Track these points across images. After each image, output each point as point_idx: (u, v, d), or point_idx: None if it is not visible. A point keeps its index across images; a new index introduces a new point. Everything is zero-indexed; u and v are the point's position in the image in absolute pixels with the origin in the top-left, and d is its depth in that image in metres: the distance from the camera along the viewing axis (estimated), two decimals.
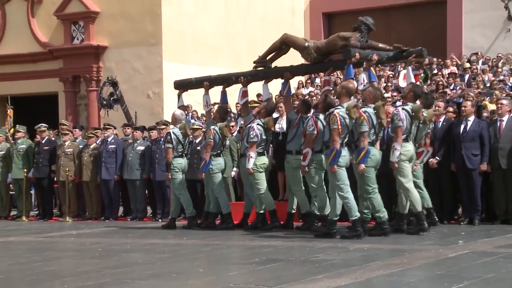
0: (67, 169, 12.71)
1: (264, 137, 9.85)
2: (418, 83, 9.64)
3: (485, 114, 11.48)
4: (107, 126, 12.98)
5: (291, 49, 10.22)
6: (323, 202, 9.17)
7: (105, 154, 12.51)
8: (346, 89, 8.96)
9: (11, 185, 13.76)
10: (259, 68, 10.42)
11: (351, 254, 7.36)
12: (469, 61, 18.25)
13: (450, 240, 8.30)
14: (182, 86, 11.35)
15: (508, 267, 6.27)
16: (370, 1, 21.08)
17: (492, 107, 12.15)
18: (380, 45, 9.87)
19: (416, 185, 9.23)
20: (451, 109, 10.88)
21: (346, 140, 8.71)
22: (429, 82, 16.93)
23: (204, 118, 12.84)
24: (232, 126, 11.78)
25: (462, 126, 10.21)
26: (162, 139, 11.58)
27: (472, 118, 10.23)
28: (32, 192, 14.25)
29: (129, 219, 12.47)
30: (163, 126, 11.98)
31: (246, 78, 10.37)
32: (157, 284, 6.02)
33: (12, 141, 13.84)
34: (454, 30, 20.17)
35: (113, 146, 12.61)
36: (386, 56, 9.85)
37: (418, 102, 9.06)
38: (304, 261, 7.05)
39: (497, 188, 10.14)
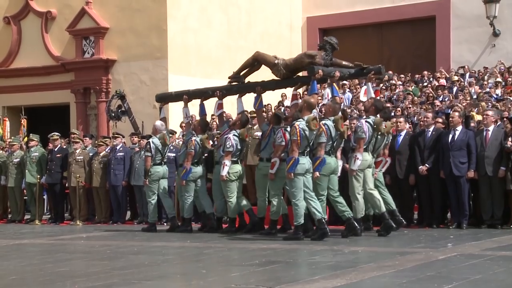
0: (78, 175, 12.70)
1: (239, 147, 10.07)
2: (378, 97, 10.02)
3: (472, 124, 11.48)
4: (116, 135, 12.98)
5: (263, 65, 10.46)
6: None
7: (113, 161, 12.49)
8: (308, 103, 9.19)
9: (25, 191, 13.75)
10: (233, 83, 10.68)
11: (346, 256, 7.34)
12: (457, 74, 18.27)
13: (439, 243, 8.28)
14: (163, 99, 11.67)
15: (494, 269, 6.25)
16: (363, 18, 21.12)
17: (478, 117, 12.16)
18: (344, 62, 10.13)
19: (379, 190, 9.49)
20: (440, 119, 10.89)
21: (307, 150, 8.89)
22: (419, 94, 16.97)
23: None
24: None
25: (450, 136, 10.21)
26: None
27: (460, 128, 10.24)
28: (45, 197, 14.25)
29: (135, 223, 12.45)
30: (170, 135, 11.96)
31: (221, 92, 10.62)
32: (163, 285, 6.00)
33: (26, 149, 13.84)
34: (442, 45, 20.20)
35: (121, 153, 12.60)
36: (348, 73, 10.09)
37: (378, 115, 9.36)
38: (302, 263, 7.04)
39: (483, 194, 10.13)
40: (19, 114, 17.48)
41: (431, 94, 16.13)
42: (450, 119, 10.52)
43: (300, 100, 10.13)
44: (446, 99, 15.50)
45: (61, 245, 9.39)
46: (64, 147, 13.73)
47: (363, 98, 10.04)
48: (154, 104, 17.86)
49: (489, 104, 13.99)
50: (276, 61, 10.15)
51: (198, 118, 11.62)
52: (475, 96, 15.48)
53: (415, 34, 20.86)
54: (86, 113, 19.17)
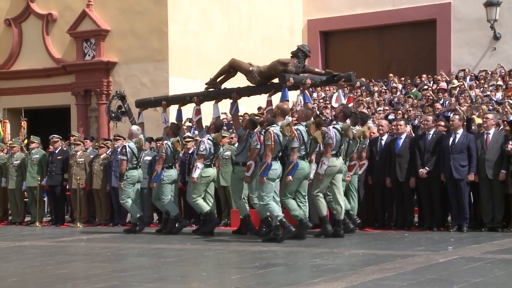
0: (79, 177, 12.70)
1: (212, 151, 10.28)
2: (351, 104, 10.47)
3: (473, 127, 11.48)
4: (117, 137, 12.99)
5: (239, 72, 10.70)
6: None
7: (114, 164, 12.48)
8: (281, 109, 9.40)
9: (25, 193, 13.75)
10: (210, 89, 10.94)
11: (347, 259, 7.34)
12: (457, 77, 18.27)
13: (440, 246, 8.28)
14: (143, 104, 11.96)
15: (494, 272, 6.25)
16: (364, 21, 21.13)
17: (479, 121, 12.16)
18: (316, 69, 10.46)
19: (348, 193, 9.93)
20: (442, 123, 10.91)
21: (279, 155, 9.12)
22: (420, 97, 16.98)
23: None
24: (231, 138, 11.93)
25: (451, 139, 10.22)
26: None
27: (460, 131, 10.24)
28: (45, 199, 14.24)
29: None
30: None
31: (198, 98, 10.88)
32: (163, 287, 5.99)
33: (27, 151, 13.84)
34: (443, 48, 20.20)
35: None
36: (319, 80, 10.41)
37: (348, 121, 9.61)
38: (302, 265, 7.03)
39: (484, 197, 10.13)
40: (20, 116, 17.48)
41: (431, 97, 16.12)
42: (451, 122, 10.53)
43: (270, 106, 10.36)
44: (447, 102, 15.49)
45: (62, 247, 9.39)
46: (65, 149, 13.74)
47: (334, 104, 10.36)
48: (155, 108, 17.92)
49: (490, 107, 14.00)
50: (251, 68, 10.45)
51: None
52: (475, 100, 15.48)
53: (416, 37, 20.88)
54: (86, 115, 19.17)
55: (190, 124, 15.34)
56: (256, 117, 10.55)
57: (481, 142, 10.14)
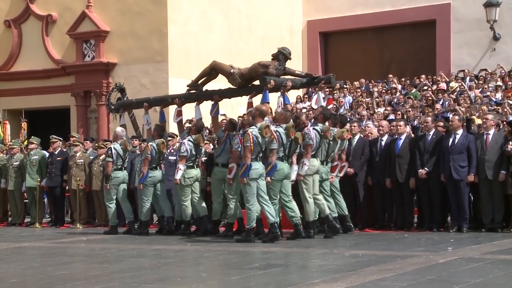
0: (78, 178, 12.69)
1: (194, 152, 10.31)
2: (331, 105, 10.64)
3: (473, 128, 11.48)
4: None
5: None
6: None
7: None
8: (260, 111, 9.45)
9: (25, 194, 13.75)
10: (192, 91, 11.02)
11: (346, 260, 7.34)
12: (456, 78, 18.27)
13: (440, 247, 8.28)
14: (124, 106, 12.09)
15: (494, 273, 6.25)
16: (364, 22, 21.13)
17: (479, 121, 12.16)
18: (297, 71, 10.49)
19: (334, 195, 9.97)
20: (441, 123, 10.91)
21: (260, 155, 9.19)
22: (420, 97, 16.99)
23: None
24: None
25: (451, 139, 10.22)
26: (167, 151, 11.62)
27: (460, 131, 10.24)
28: (45, 200, 14.22)
29: (136, 226, 12.41)
30: (170, 138, 12.00)
31: (180, 100, 10.97)
32: None
33: (26, 152, 13.84)
34: (443, 49, 20.21)
35: None
36: (300, 82, 10.46)
37: (327, 123, 9.73)
38: (302, 266, 7.03)
39: (484, 198, 10.13)
40: (19, 117, 17.49)
41: (430, 98, 16.13)
42: (450, 122, 10.54)
43: (251, 108, 10.39)
44: (446, 103, 15.50)
45: (61, 248, 9.38)
46: (65, 150, 13.73)
47: (314, 106, 10.46)
48: (154, 108, 17.91)
49: (490, 107, 14.00)
50: (232, 71, 10.49)
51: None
52: (474, 100, 15.49)
53: (416, 38, 20.88)
54: (86, 116, 19.18)
55: (190, 125, 15.35)
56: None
57: (481, 143, 10.14)
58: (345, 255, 7.69)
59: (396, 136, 10.78)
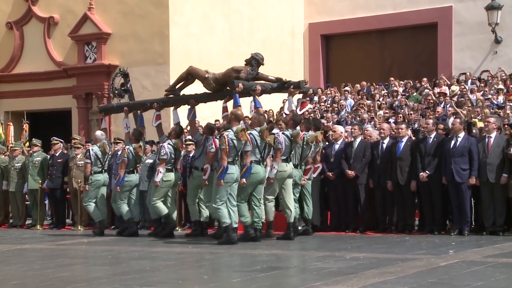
0: (79, 180, 12.69)
1: (173, 156, 10.56)
2: (305, 109, 10.99)
3: (474, 131, 11.48)
4: (117, 141, 12.98)
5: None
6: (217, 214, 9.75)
7: (115, 167, 12.45)
8: (235, 115, 9.68)
9: (26, 196, 13.75)
10: (169, 96, 11.28)
11: (348, 262, 7.33)
12: (458, 81, 18.27)
13: (441, 250, 8.27)
14: (106, 110, 12.65)
15: (496, 276, 6.24)
16: (365, 24, 21.13)
17: (481, 124, 12.15)
18: (269, 77, 10.65)
19: (304, 198, 10.24)
20: (441, 126, 10.91)
21: (236, 159, 9.38)
22: (422, 100, 16.98)
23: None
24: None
25: (452, 142, 10.21)
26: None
27: (462, 134, 10.24)
28: (46, 202, 14.24)
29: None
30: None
31: (158, 104, 11.22)
32: None
33: (28, 154, 13.85)
34: (444, 52, 20.20)
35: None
36: (270, 86, 10.67)
37: (298, 128, 9.99)
38: (303, 269, 7.03)
39: (485, 201, 10.12)
40: (21, 119, 17.50)
41: (431, 101, 16.12)
42: (451, 125, 10.55)
43: (226, 112, 10.62)
44: (448, 106, 15.49)
45: (62, 250, 9.39)
46: (65, 152, 13.74)
47: (286, 111, 10.69)
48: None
49: (492, 109, 13.99)
50: (206, 75, 10.71)
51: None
52: (475, 103, 15.48)
53: (417, 41, 20.88)
54: (87, 118, 19.19)
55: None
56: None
57: (483, 146, 10.14)
58: (346, 257, 7.69)
59: (398, 139, 10.78)
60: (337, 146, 11.18)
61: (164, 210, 10.60)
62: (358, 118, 15.27)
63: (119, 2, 18.72)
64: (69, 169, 12.99)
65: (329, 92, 19.52)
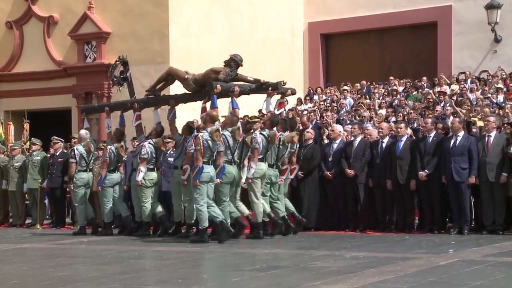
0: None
1: (154, 155, 10.75)
2: (282, 109, 11.17)
3: (474, 130, 11.47)
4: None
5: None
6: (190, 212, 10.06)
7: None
8: (210, 116, 9.80)
9: (26, 195, 13.74)
10: (150, 96, 11.44)
11: (347, 261, 7.33)
12: (457, 80, 18.26)
13: (441, 249, 8.27)
14: (87, 110, 12.80)
15: (495, 275, 6.24)
16: (365, 23, 21.12)
17: (480, 123, 12.15)
18: (248, 78, 10.83)
19: (280, 198, 10.34)
20: (441, 125, 10.91)
21: (212, 159, 9.51)
22: (421, 97, 16.97)
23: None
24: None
25: (452, 141, 10.22)
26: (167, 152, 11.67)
27: (461, 133, 10.24)
28: (46, 201, 14.24)
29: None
30: (169, 140, 12.06)
31: (139, 104, 11.37)
32: None
33: (28, 153, 13.84)
34: (444, 51, 20.18)
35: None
36: (248, 88, 10.84)
37: (275, 128, 10.11)
38: (303, 268, 7.02)
39: (485, 200, 10.12)
40: (22, 118, 17.50)
41: (431, 100, 16.11)
42: (451, 125, 10.54)
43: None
44: (448, 105, 15.48)
45: (62, 250, 9.38)
46: (66, 151, 13.72)
47: (264, 111, 10.85)
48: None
49: (491, 108, 13.98)
50: (186, 76, 10.83)
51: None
52: (475, 103, 15.47)
53: (417, 40, 20.86)
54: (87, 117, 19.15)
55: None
56: (256, 119, 10.67)
57: (482, 145, 10.14)
58: (346, 257, 7.68)
59: (397, 138, 10.78)
60: (335, 146, 11.19)
61: (149, 216, 10.81)
62: (357, 118, 15.27)
63: (118, 2, 18.70)
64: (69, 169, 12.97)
65: (328, 91, 19.51)
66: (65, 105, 19.42)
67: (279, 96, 11.03)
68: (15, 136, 17.26)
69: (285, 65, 20.92)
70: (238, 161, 9.92)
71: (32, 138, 14.15)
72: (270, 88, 10.58)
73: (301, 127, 12.49)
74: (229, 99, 10.56)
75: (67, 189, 13.17)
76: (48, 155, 13.56)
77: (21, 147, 14.24)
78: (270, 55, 20.49)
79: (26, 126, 17.05)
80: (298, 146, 10.72)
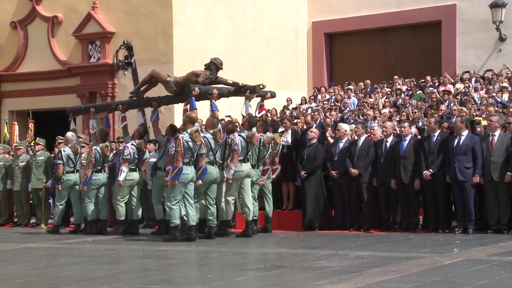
0: (83, 179, 12.69)
1: (136, 156, 11.05)
2: (263, 111, 11.45)
3: (478, 129, 11.45)
4: (121, 139, 13.00)
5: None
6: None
7: (118, 165, 12.45)
8: (189, 118, 10.01)
9: (31, 194, 13.77)
10: (133, 98, 11.67)
11: (352, 261, 7.33)
12: (462, 79, 18.22)
13: (445, 248, 8.26)
14: (74, 112, 13.05)
15: (500, 274, 6.24)
16: (369, 22, 21.09)
17: (485, 122, 12.12)
18: (228, 81, 11.06)
19: (265, 197, 10.73)
20: (446, 124, 10.89)
21: (192, 160, 9.70)
22: (426, 98, 16.95)
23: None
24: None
25: (456, 140, 10.20)
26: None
27: (465, 132, 10.22)
28: (50, 201, 14.24)
29: (141, 227, 12.43)
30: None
31: (123, 106, 11.66)
32: None
33: (32, 153, 13.86)
34: (448, 50, 20.14)
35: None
36: (227, 90, 11.09)
37: (254, 129, 10.41)
38: (308, 267, 7.02)
39: (489, 200, 10.10)
40: (26, 118, 17.53)
41: (435, 99, 16.08)
42: (454, 124, 10.52)
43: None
44: (452, 104, 15.45)
45: (67, 249, 9.41)
46: None
47: (243, 113, 11.04)
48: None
49: (495, 107, 13.94)
50: (168, 79, 11.05)
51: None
52: (479, 102, 15.44)
53: (421, 39, 20.82)
54: (92, 117, 19.17)
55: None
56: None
57: (487, 144, 10.12)
58: (350, 256, 7.68)
59: (401, 137, 10.77)
60: (341, 145, 11.18)
61: (122, 214, 11.08)
62: (361, 117, 15.25)
63: (122, 1, 18.73)
64: None
65: (332, 90, 19.49)
66: (70, 105, 19.39)
67: (259, 99, 11.23)
68: (20, 136, 17.28)
69: (289, 64, 20.90)
70: (220, 161, 10.17)
71: (37, 138, 14.16)
72: (248, 92, 10.87)
73: (305, 127, 12.49)
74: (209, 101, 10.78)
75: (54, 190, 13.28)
76: (52, 155, 13.58)
77: (25, 147, 14.26)
78: (274, 54, 20.47)
79: (31, 126, 17.07)
80: (280, 147, 10.98)
